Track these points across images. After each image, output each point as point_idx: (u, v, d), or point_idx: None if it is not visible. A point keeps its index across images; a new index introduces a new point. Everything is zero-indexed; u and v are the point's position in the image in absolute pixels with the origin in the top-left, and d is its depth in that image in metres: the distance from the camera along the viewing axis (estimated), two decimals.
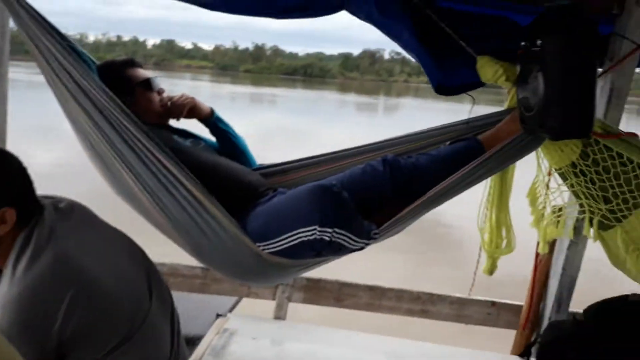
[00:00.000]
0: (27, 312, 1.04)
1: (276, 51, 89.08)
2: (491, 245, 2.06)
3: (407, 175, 1.77)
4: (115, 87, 1.68)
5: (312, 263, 1.71)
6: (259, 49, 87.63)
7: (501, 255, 2.06)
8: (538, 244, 2.11)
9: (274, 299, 2.40)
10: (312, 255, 1.58)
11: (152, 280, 1.31)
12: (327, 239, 1.47)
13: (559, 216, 1.99)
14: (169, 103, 1.88)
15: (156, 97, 1.86)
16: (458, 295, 2.40)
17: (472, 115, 1.93)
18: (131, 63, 1.86)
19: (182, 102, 1.89)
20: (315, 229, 1.46)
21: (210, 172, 1.72)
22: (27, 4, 1.62)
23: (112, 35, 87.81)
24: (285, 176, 1.99)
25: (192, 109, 1.90)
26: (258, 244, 1.57)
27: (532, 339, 2.28)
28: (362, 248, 1.57)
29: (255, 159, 2.05)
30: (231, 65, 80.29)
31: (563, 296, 2.13)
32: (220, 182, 1.71)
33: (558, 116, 1.61)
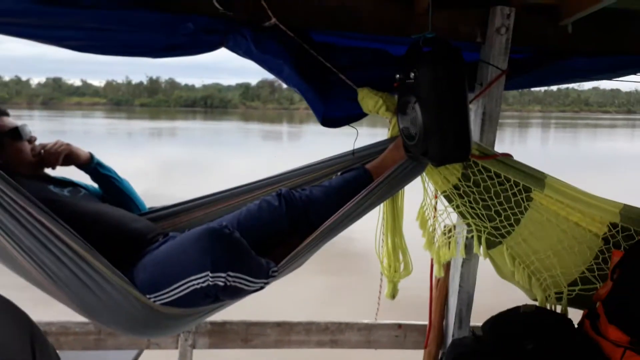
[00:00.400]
0: None
1: (172, 84, 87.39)
2: (390, 269, 2.09)
3: (302, 207, 1.77)
4: None
5: (210, 309, 1.64)
6: (154, 82, 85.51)
7: (401, 279, 2.09)
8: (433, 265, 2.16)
9: (176, 348, 2.27)
10: (209, 302, 1.51)
11: (37, 346, 1.22)
12: (221, 284, 1.41)
13: (449, 237, 2.06)
14: (42, 152, 1.76)
15: (27, 147, 1.74)
16: (365, 321, 2.40)
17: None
18: (3, 111, 1.72)
19: (56, 150, 1.78)
20: (207, 275, 1.40)
21: (91, 222, 1.61)
22: None
23: None
24: (177, 218, 1.90)
25: (67, 156, 1.80)
26: (148, 296, 1.47)
27: (438, 357, 2.33)
28: (261, 288, 1.53)
29: (144, 202, 1.94)
30: (126, 100, 77.61)
31: (463, 313, 2.19)
32: (104, 232, 1.60)
33: (437, 143, 1.69)
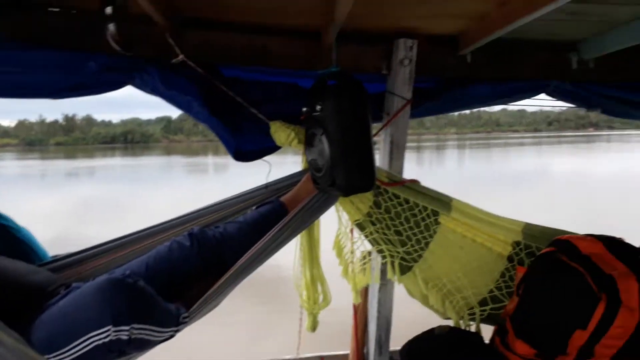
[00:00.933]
0: None
1: (89, 120, 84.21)
2: (309, 301, 2.09)
3: (215, 246, 1.73)
4: None
5: None
6: (70, 120, 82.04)
7: (320, 310, 2.10)
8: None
9: None
10: (113, 357, 1.42)
11: None
12: (125, 337, 1.33)
13: (364, 263, 2.10)
14: None
15: None
16: (287, 357, 2.38)
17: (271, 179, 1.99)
18: None
19: None
20: (109, 330, 1.31)
21: None
22: None
23: None
24: (81, 267, 1.79)
25: None
26: (48, 356, 1.35)
27: None
28: (171, 336, 1.46)
29: (46, 251, 1.83)
30: (39, 140, 73.78)
31: (382, 338, 2.23)
32: None
33: (343, 174, 1.73)
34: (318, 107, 1.72)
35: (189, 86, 1.85)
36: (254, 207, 1.94)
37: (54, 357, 1.36)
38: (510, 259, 2.08)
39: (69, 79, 1.72)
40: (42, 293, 1.56)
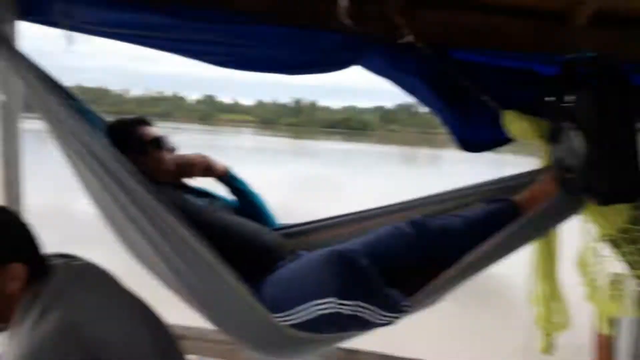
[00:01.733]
0: None
1: (312, 105, 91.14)
2: (543, 320, 1.81)
3: (437, 238, 1.63)
4: (125, 146, 1.64)
5: (337, 338, 1.57)
6: (298, 104, 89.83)
7: (556, 331, 1.80)
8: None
9: None
10: (334, 330, 1.44)
11: (167, 351, 1.21)
12: (346, 312, 1.33)
13: (616, 289, 1.74)
14: (181, 162, 1.82)
15: (167, 156, 1.80)
16: None
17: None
18: (141, 122, 1.82)
19: (194, 161, 1.83)
20: (332, 302, 1.33)
21: (223, 232, 1.63)
22: (31, 62, 1.59)
23: (154, 91, 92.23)
24: (306, 237, 1.86)
25: (205, 168, 1.84)
26: (274, 315, 1.43)
27: None
28: (390, 322, 1.42)
29: (274, 218, 1.94)
30: (272, 119, 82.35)
31: None
32: (236, 243, 1.62)
33: (605, 179, 1.45)
34: (569, 98, 1.45)
35: (417, 68, 1.73)
36: (480, 204, 1.75)
37: (280, 317, 1.43)
38: None
39: (303, 55, 1.73)
40: (274, 254, 1.66)
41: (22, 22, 1.68)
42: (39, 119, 1.59)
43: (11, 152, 1.75)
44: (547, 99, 1.56)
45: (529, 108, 1.71)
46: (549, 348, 1.83)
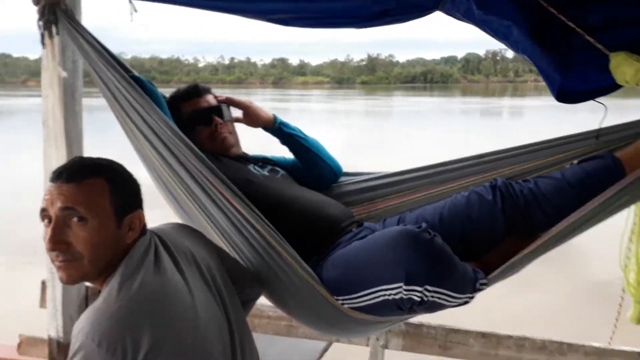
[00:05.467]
0: (115, 326, 0.94)
1: (389, 61, 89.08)
2: (638, 287, 1.63)
3: (523, 205, 1.46)
4: (179, 120, 1.61)
5: (403, 319, 1.51)
6: (374, 60, 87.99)
7: None
8: None
9: (367, 345, 2.15)
10: (402, 314, 1.33)
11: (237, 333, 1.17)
12: (417, 298, 1.22)
13: None
14: (229, 101, 1.76)
15: (221, 127, 1.71)
16: (596, 344, 1.95)
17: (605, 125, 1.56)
18: (193, 93, 1.73)
19: (240, 101, 1.76)
20: (400, 287, 1.22)
21: (287, 206, 1.55)
22: (92, 37, 1.59)
23: (226, 58, 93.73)
24: (372, 205, 1.75)
25: (250, 113, 1.75)
26: (337, 297, 1.35)
27: None
28: (465, 302, 1.29)
29: (339, 166, 1.83)
30: (347, 78, 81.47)
31: None
32: (299, 217, 1.53)
33: None
34: None
35: (508, 8, 1.53)
36: (575, 161, 1.56)
37: (343, 299, 1.34)
38: None
39: (375, 4, 1.59)
40: (337, 228, 1.55)
41: None
42: (99, 94, 1.59)
43: (74, 128, 1.78)
44: None
45: None
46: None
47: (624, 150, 1.50)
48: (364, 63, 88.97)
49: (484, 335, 2.01)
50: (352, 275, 1.34)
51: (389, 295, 1.24)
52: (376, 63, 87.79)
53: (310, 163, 1.77)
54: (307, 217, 1.55)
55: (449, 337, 2.03)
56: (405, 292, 1.22)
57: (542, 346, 1.97)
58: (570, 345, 1.96)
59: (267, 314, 2.16)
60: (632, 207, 1.60)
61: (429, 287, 1.21)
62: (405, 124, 20.21)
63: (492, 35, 1.63)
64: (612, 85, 1.57)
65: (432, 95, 44.40)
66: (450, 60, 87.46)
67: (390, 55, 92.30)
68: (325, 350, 2.38)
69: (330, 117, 23.58)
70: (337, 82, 79.10)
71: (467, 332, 2.03)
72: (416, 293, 1.21)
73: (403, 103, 34.94)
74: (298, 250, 1.38)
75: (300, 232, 1.47)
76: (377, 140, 14.84)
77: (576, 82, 1.62)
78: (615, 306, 1.79)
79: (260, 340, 1.31)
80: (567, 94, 1.64)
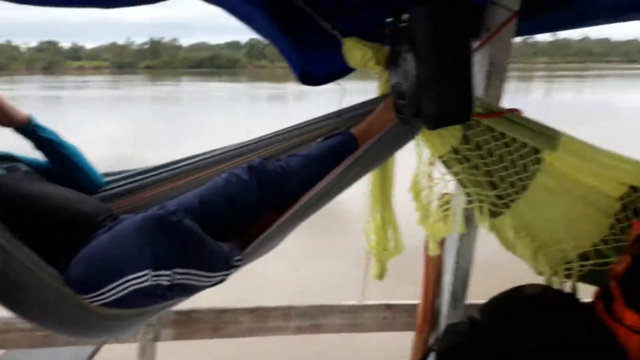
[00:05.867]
0: None
1: (173, 45, 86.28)
2: (378, 247, 1.87)
3: (276, 181, 1.55)
4: None
5: (161, 307, 1.43)
6: (156, 44, 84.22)
7: (390, 258, 1.87)
8: (427, 242, 1.94)
9: (136, 341, 2.06)
10: (155, 303, 1.29)
11: None
12: (165, 282, 1.17)
13: (446, 209, 1.83)
14: None
15: None
16: (349, 303, 2.20)
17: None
18: None
19: None
20: (147, 274, 1.16)
21: (29, 206, 1.39)
22: None
23: None
24: (134, 197, 1.67)
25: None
26: (84, 297, 1.23)
27: (431, 341, 2.13)
28: (221, 281, 1.30)
29: (97, 174, 1.69)
30: (129, 62, 76.79)
31: (458, 291, 1.97)
32: (44, 217, 1.38)
33: (432, 102, 1.39)
34: (405, 17, 1.39)
35: None
36: (319, 139, 1.70)
37: (90, 298, 1.24)
38: (624, 206, 1.74)
39: None
40: (89, 224, 1.43)
41: None
42: None
43: None
44: (387, 20, 1.50)
45: (372, 34, 1.65)
46: (382, 273, 1.91)
47: (357, 127, 1.68)
48: (146, 47, 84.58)
49: (251, 310, 2.09)
50: (97, 269, 1.24)
51: (137, 284, 1.18)
52: (160, 47, 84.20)
53: (64, 170, 1.62)
54: (53, 215, 1.40)
55: (219, 318, 2.06)
56: (153, 279, 1.16)
57: (305, 312, 2.13)
58: (330, 307, 2.16)
59: (17, 327, 1.91)
60: (369, 178, 1.82)
61: (178, 270, 1.18)
62: (196, 111, 19.81)
63: (238, 19, 1.66)
64: (347, 68, 1.75)
65: (220, 81, 44.30)
66: (234, 45, 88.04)
67: (174, 39, 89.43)
68: (94, 354, 2.21)
69: (113, 106, 21.97)
70: (118, 67, 73.92)
71: (235, 310, 2.08)
72: (164, 278, 1.17)
73: (192, 89, 34.20)
74: (47, 251, 1.24)
75: (46, 234, 1.33)
76: (166, 128, 14.30)
77: (316, 65, 1.76)
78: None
79: (15, 356, 1.13)
80: (309, 76, 1.78)
